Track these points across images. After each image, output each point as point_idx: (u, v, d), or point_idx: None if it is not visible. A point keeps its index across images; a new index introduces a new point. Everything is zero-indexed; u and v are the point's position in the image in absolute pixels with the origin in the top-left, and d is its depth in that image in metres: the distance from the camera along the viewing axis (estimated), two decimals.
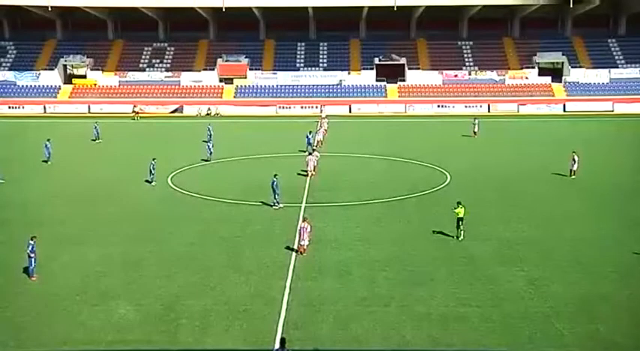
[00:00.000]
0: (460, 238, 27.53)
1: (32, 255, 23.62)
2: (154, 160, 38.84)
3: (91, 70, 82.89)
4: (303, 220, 26.57)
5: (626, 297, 21.63)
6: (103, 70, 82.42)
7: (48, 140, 46.10)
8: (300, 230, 26.27)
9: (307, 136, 48.93)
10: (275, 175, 33.56)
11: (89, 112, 75.89)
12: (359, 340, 18.99)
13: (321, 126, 55.60)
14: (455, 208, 27.75)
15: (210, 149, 45.72)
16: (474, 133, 56.73)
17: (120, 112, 73.33)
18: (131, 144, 54.58)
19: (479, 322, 19.92)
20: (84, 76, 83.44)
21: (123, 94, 78.91)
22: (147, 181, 38.54)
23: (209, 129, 53.71)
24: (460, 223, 27.64)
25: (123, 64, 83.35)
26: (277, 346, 16.93)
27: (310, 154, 42.01)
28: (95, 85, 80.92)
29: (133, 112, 71.79)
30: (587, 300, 21.38)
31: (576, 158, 39.91)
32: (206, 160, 45.34)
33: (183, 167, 43.23)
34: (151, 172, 38.39)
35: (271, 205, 33.14)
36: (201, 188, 37.33)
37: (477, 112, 72.85)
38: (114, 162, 46.16)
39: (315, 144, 48.03)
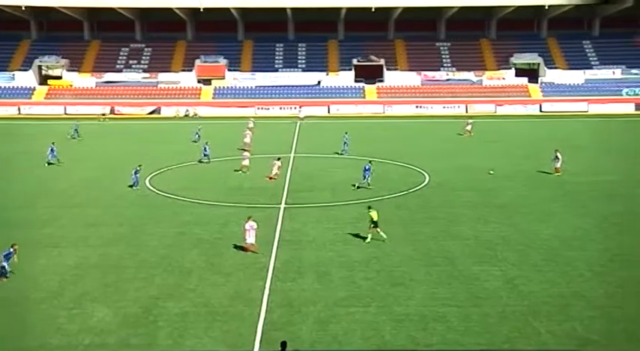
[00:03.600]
0: (368, 240, 27.44)
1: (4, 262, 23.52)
2: (139, 166, 38.50)
3: (67, 71, 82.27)
4: (248, 219, 26.40)
5: (602, 295, 21.91)
6: (79, 71, 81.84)
7: (53, 143, 45.93)
8: (245, 229, 26.15)
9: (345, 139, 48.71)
10: (370, 162, 37.98)
11: (65, 114, 75.30)
12: (339, 340, 19.03)
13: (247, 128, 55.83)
14: (368, 213, 27.66)
15: (206, 151, 45.33)
16: (469, 132, 57.63)
17: (97, 114, 72.70)
18: (108, 145, 54.16)
19: (458, 321, 20.06)
20: (59, 77, 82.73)
21: (100, 96, 78.33)
22: (130, 186, 38.04)
23: (198, 130, 54.08)
24: (375, 225, 27.47)
25: (99, 65, 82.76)
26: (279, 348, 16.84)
27: (278, 159, 41.59)
28: (71, 86, 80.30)
29: (101, 114, 71.40)
30: (563, 298, 21.62)
31: (559, 155, 40.57)
32: (201, 161, 45.10)
33: (161, 169, 43.01)
34: (133, 177, 37.68)
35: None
36: (179, 190, 37.17)
37: (455, 113, 73.63)
38: (92, 164, 45.78)
39: (243, 146, 48.11)
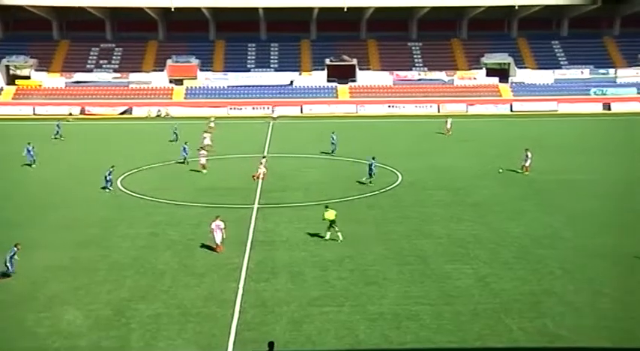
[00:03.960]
0: (340, 240, 27.58)
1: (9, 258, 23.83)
2: (112, 167, 38.17)
3: (36, 70, 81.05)
4: (215, 219, 26.46)
5: (571, 292, 22.23)
6: (48, 71, 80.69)
7: (29, 143, 45.30)
8: (213, 229, 26.22)
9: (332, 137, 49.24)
10: (373, 158, 38.89)
11: (34, 114, 74.24)
12: (312, 340, 19.05)
13: (208, 128, 56.81)
14: (324, 213, 27.85)
15: (185, 151, 45.05)
16: (448, 130, 58.58)
17: (67, 114, 71.82)
18: (80, 146, 53.54)
19: (430, 319, 20.20)
20: (28, 77, 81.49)
21: (69, 96, 77.34)
22: (103, 187, 37.61)
23: (175, 130, 54.29)
24: (333, 225, 27.65)
25: (69, 64, 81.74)
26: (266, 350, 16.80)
27: (264, 158, 41.94)
28: (40, 86, 79.14)
29: (69, 114, 70.72)
30: (534, 296, 21.90)
31: (529, 154, 41.23)
32: (180, 162, 44.80)
33: (133, 169, 42.64)
34: (106, 178, 37.23)
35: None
36: (152, 190, 36.89)
37: (427, 112, 74.14)
38: (65, 165, 45.23)
39: (203, 146, 48.22)
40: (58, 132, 56.83)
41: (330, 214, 27.73)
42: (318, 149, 49.39)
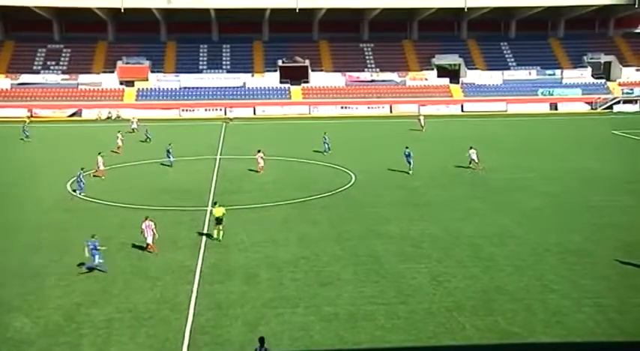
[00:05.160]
0: (219, 239, 27.73)
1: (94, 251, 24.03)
2: (82, 169, 37.50)
3: None
4: (145, 219, 26.45)
5: (522, 288, 22.62)
6: None
7: None
8: (144, 229, 26.15)
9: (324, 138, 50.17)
10: (407, 147, 42.03)
11: None
12: (267, 342, 18.88)
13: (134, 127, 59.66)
14: (212, 208, 28.10)
15: (170, 154, 44.83)
16: (422, 126, 61.50)
17: (14, 117, 69.96)
18: (27, 149, 52.28)
19: (385, 319, 20.29)
20: None
21: (16, 98, 75.45)
22: (73, 190, 36.87)
23: (146, 131, 55.26)
24: (219, 223, 27.86)
25: (14, 65, 79.74)
26: (258, 345, 16.64)
27: (259, 151, 42.95)
28: None
29: (27, 116, 69.28)
30: (486, 293, 22.20)
31: (474, 151, 42.66)
32: (169, 165, 44.52)
33: (85, 173, 41.73)
34: (80, 183, 36.46)
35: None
36: (104, 194, 36.21)
37: (380, 113, 74.61)
38: (13, 168, 44.06)
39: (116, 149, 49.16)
40: (24, 132, 56.86)
41: (218, 212, 27.85)
42: (271, 150, 49.20)
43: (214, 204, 28.51)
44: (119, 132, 52.31)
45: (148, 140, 55.05)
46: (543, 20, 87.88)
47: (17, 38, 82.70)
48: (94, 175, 40.08)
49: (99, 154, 41.40)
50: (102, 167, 40.93)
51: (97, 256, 24.08)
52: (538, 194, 36.36)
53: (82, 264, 24.48)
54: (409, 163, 41.78)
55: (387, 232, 29.17)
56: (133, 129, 60.84)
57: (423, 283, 23.22)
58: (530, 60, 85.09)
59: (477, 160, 42.66)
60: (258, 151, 43.03)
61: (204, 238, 28.33)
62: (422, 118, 63.80)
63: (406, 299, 21.78)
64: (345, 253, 26.46)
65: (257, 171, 42.16)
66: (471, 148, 43.45)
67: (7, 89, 77.11)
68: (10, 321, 20.17)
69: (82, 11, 77.66)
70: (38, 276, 23.90)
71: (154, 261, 25.47)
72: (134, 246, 27.18)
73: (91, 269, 24.10)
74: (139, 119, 64.17)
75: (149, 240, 26.26)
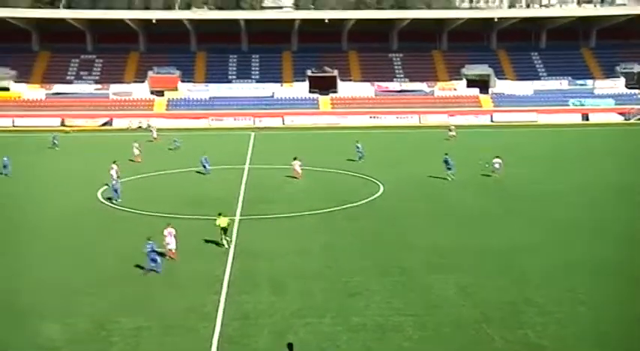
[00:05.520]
0: (227, 247, 28.02)
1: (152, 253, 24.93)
2: (118, 177, 38.25)
3: (15, 82, 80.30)
4: (167, 226, 26.89)
5: (552, 301, 22.27)
6: (27, 83, 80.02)
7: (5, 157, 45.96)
8: (166, 236, 26.51)
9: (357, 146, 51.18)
10: (446, 154, 43.46)
11: (13, 126, 73.53)
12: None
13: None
14: (217, 219, 28.29)
15: (205, 163, 45.43)
16: (454, 136, 61.74)
17: (47, 126, 71.03)
18: (60, 158, 53.12)
19: (413, 330, 20.15)
20: (7, 89, 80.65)
21: (50, 107, 76.72)
22: (109, 198, 37.50)
23: (175, 141, 56.66)
24: (223, 232, 28.20)
25: (49, 76, 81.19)
26: None
27: (295, 159, 44.08)
28: (20, 98, 78.41)
29: (66, 126, 70.48)
30: (515, 305, 21.93)
31: (499, 160, 43.02)
32: (204, 174, 45.23)
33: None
34: (115, 191, 37.24)
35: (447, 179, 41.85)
36: (136, 202, 36.55)
37: (408, 123, 74.32)
38: (48, 176, 44.81)
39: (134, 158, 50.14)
40: (55, 143, 58.02)
41: (223, 221, 28.12)
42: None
43: (219, 214, 28.51)
44: (135, 141, 52.93)
45: (175, 149, 55.94)
46: (574, 30, 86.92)
47: (52, 49, 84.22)
48: (106, 184, 40.18)
49: (113, 162, 41.16)
50: (115, 176, 39.92)
51: (155, 259, 24.96)
52: (569, 205, 35.88)
53: (140, 267, 25.20)
54: (449, 169, 42.52)
55: (416, 243, 28.99)
56: (153, 138, 61.85)
57: (451, 294, 23.02)
58: (561, 70, 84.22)
59: (498, 169, 42.85)
60: (294, 159, 43.72)
61: (232, 246, 28.44)
62: (453, 127, 63.99)
63: (434, 311, 21.62)
64: (372, 263, 26.36)
65: (295, 177, 43.10)
66: (496, 157, 43.35)
67: (41, 99, 78.49)
68: (41, 327, 20.42)
69: (115, 22, 78.99)
70: (68, 283, 24.20)
71: (183, 270, 25.63)
72: (163, 254, 27.37)
73: (152, 270, 25.00)
74: (158, 129, 65.34)
75: (171, 246, 26.52)
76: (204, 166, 45.51)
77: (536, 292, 23.16)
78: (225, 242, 28.28)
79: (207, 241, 29.13)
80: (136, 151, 51.02)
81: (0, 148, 48.35)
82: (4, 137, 64.94)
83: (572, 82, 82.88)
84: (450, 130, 63.23)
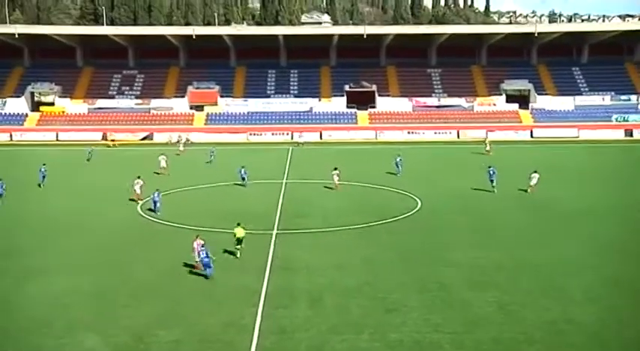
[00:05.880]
0: (238, 256, 28.71)
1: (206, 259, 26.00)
2: (157, 190, 38.72)
3: (59, 97, 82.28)
4: (196, 238, 27.21)
5: (595, 321, 21.81)
6: (71, 98, 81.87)
7: (44, 165, 47.29)
8: (195, 248, 26.79)
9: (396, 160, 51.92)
10: (490, 166, 44.64)
11: (57, 140, 75.19)
12: None
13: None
14: (235, 229, 28.94)
15: (243, 174, 46.32)
16: (488, 150, 61.89)
17: (90, 140, 72.42)
18: (103, 171, 54.06)
19: (451, 348, 19.91)
20: (52, 104, 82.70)
21: (92, 122, 78.34)
22: (150, 209, 38.24)
23: (212, 152, 57.95)
24: (239, 243, 28.81)
25: (92, 91, 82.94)
26: None
27: (335, 169, 45.34)
28: (63, 112, 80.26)
29: (110, 140, 71.86)
30: (557, 325, 21.51)
31: (536, 175, 42.95)
32: (238, 184, 46.30)
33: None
34: (155, 203, 37.91)
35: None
36: (174, 216, 36.94)
37: (447, 138, 73.76)
38: (86, 189, 45.57)
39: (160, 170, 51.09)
40: (90, 154, 59.65)
41: (240, 232, 28.79)
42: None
43: (237, 224, 29.21)
44: (162, 154, 53.65)
45: (211, 161, 56.90)
46: (618, 44, 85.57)
47: (95, 65, 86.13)
48: (130, 199, 40.64)
49: (138, 177, 41.43)
50: (138, 191, 40.49)
51: (208, 264, 25.96)
52: (612, 223, 35.19)
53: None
54: (492, 181, 43.25)
55: (454, 259, 28.71)
56: (179, 151, 63.47)
57: (490, 312, 22.70)
58: (603, 85, 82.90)
59: (534, 184, 42.64)
60: (335, 169, 44.88)
61: (269, 260, 28.53)
62: (488, 142, 63.92)
63: (473, 328, 21.33)
64: (410, 279, 26.17)
65: (332, 188, 44.28)
66: (534, 172, 43.17)
67: (84, 114, 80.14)
68: (82, 340, 20.70)
69: (156, 38, 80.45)
70: (107, 296, 24.51)
71: (221, 283, 25.78)
72: (200, 268, 27.57)
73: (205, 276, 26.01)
74: (185, 142, 67.45)
75: (198, 258, 26.82)
76: (243, 178, 45.99)
77: (578, 311, 22.69)
78: (238, 253, 28.93)
79: (244, 255, 29.26)
80: (163, 164, 51.84)
81: (43, 161, 49.22)
82: (49, 151, 66.32)
83: (615, 98, 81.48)
84: (486, 144, 63.28)
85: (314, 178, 49.15)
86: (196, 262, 26.85)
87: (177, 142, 68.05)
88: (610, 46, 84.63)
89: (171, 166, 52.40)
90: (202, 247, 26.51)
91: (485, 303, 23.47)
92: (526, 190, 42.99)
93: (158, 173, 50.79)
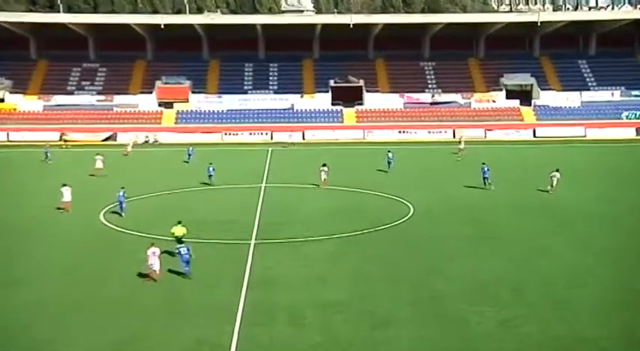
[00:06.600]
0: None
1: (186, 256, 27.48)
2: (122, 188, 39.42)
3: (10, 93, 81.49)
4: (151, 245, 27.70)
5: (605, 338, 22.03)
6: (24, 94, 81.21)
7: None
8: (149, 256, 27.27)
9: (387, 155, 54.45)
10: (483, 163, 46.57)
11: (8, 141, 74.58)
12: None
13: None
14: (174, 228, 30.28)
15: (210, 172, 48.15)
16: (462, 150, 62.25)
17: (45, 141, 71.86)
18: (61, 175, 53.67)
19: None
20: (1, 100, 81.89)
21: (48, 121, 77.68)
22: (115, 212, 38.96)
23: (190, 150, 59.84)
24: (180, 243, 29.50)
25: (47, 86, 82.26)
26: None
27: (324, 165, 47.43)
28: (15, 110, 79.54)
29: (62, 140, 71.40)
30: (563, 341, 21.72)
31: (558, 174, 44.25)
32: (206, 183, 47.96)
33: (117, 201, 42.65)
34: (121, 203, 38.98)
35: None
36: (140, 225, 36.84)
37: (442, 138, 74.21)
38: (41, 194, 45.30)
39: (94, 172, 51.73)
40: (46, 155, 59.78)
41: (179, 231, 30.34)
42: (321, 178, 49.36)
43: (178, 223, 30.50)
44: (99, 154, 54.28)
45: (189, 160, 57.90)
46: (629, 34, 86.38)
47: (51, 57, 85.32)
48: (57, 208, 40.52)
49: (64, 185, 40.94)
50: (68, 198, 40.24)
51: (188, 261, 27.35)
52: (623, 230, 35.59)
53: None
54: (485, 179, 45.87)
55: (450, 271, 28.89)
56: (127, 152, 64.22)
57: (490, 328, 22.87)
58: (612, 79, 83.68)
59: (554, 185, 43.92)
60: (323, 165, 46.93)
61: (246, 274, 28.54)
62: (463, 141, 65.06)
63: (471, 346, 21.49)
64: (402, 293, 26.31)
65: (317, 185, 46.42)
66: (555, 170, 44.66)
67: (38, 112, 79.53)
68: None
69: (120, 28, 79.98)
70: (70, 312, 24.37)
71: (193, 298, 25.76)
72: (173, 282, 27.56)
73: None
74: (135, 144, 68.04)
75: (155, 267, 27.28)
76: (210, 176, 47.79)
77: (586, 326, 22.91)
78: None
79: (219, 268, 29.28)
80: (99, 164, 52.75)
81: None
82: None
83: (626, 93, 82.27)
84: (460, 142, 64.13)
85: (296, 181, 49.22)
86: (153, 271, 27.37)
87: (134, 142, 69.14)
88: (620, 36, 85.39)
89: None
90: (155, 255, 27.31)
91: (484, 318, 23.64)
92: (547, 191, 44.23)
93: (93, 175, 51.47)
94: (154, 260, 27.23)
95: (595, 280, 27.50)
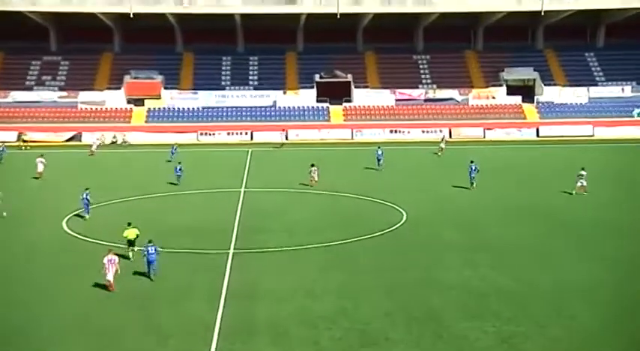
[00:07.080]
0: (132, 259, 31.14)
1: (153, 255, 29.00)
2: (87, 190, 40.12)
3: None
4: (108, 252, 28.31)
5: None
6: None
7: None
8: (105, 264, 27.75)
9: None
10: (472, 161, 48.07)
11: None
12: None
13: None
14: (125, 230, 31.41)
15: (178, 171, 50.02)
16: (442, 149, 63.73)
17: (1, 141, 71.45)
18: (17, 178, 53.54)
19: None
20: None
21: (4, 119, 77.26)
22: (78, 215, 39.59)
23: (174, 149, 61.26)
24: (131, 245, 31.49)
25: (4, 81, 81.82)
26: None
27: (313, 165, 49.56)
28: None
29: (21, 140, 71.09)
30: None
31: (583, 173, 45.64)
32: (173, 183, 49.08)
33: (82, 207, 42.52)
34: (87, 205, 39.92)
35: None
36: (107, 233, 36.65)
37: (437, 138, 74.24)
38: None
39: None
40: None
41: (131, 234, 31.55)
42: (306, 182, 49.47)
43: (128, 224, 31.61)
44: (41, 156, 54.39)
45: (172, 159, 58.28)
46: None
47: (7, 49, 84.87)
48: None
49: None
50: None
51: (152, 261, 28.82)
52: (631, 237, 35.84)
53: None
54: (472, 178, 47.48)
55: (447, 282, 29.01)
56: (92, 152, 65.30)
57: (490, 345, 22.98)
58: (622, 74, 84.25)
59: (583, 185, 45.34)
60: (312, 166, 48.93)
61: (224, 286, 28.55)
62: (444, 141, 66.47)
63: None
64: (394, 306, 26.39)
65: (307, 185, 48.38)
66: (582, 169, 46.18)
67: None
68: None
69: (84, 17, 79.66)
70: (27, 330, 24.19)
71: (167, 314, 25.71)
72: (145, 296, 27.53)
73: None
74: (101, 144, 69.37)
75: (109, 277, 27.66)
76: (178, 177, 49.29)
77: (595, 343, 23.06)
78: (130, 254, 31.36)
79: (194, 280, 29.28)
80: (40, 168, 53.16)
81: None
82: None
83: (637, 89, 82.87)
84: (441, 141, 65.52)
85: (278, 186, 49.27)
86: (108, 281, 27.72)
87: (99, 140, 70.38)
88: (631, 26, 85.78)
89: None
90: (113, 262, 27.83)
91: (483, 335, 23.76)
92: (571, 193, 45.52)
93: (37, 178, 52.27)
94: (110, 269, 27.64)
95: (604, 293, 27.60)
